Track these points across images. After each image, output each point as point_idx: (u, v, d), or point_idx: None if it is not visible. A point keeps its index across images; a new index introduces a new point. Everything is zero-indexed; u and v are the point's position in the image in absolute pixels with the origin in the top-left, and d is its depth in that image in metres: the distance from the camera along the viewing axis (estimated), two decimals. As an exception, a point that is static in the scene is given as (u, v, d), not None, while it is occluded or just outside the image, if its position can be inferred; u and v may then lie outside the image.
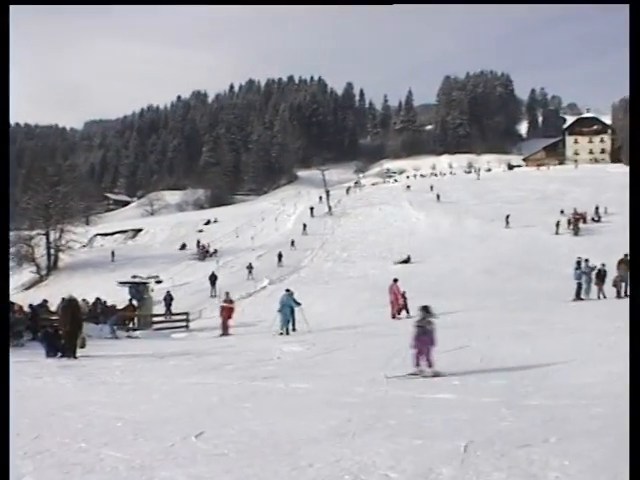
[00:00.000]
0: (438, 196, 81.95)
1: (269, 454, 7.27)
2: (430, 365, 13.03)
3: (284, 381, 13.38)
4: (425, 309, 13.86)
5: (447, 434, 7.95)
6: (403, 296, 29.01)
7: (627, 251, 31.59)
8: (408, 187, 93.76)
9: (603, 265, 29.09)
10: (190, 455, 7.33)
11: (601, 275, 28.90)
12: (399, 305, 28.93)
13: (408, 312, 28.29)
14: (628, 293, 27.73)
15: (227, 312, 29.06)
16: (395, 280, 29.95)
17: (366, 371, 14.37)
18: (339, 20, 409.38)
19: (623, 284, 28.09)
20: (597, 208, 69.19)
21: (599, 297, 28.56)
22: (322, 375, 14.22)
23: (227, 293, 31.81)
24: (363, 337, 21.98)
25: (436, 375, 12.86)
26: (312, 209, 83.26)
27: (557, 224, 61.19)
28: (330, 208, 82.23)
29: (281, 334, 25.66)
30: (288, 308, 26.72)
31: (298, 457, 7.04)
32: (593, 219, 67.03)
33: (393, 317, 28.63)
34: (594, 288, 28.99)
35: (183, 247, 73.52)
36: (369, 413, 9.64)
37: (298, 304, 27.15)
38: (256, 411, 10.24)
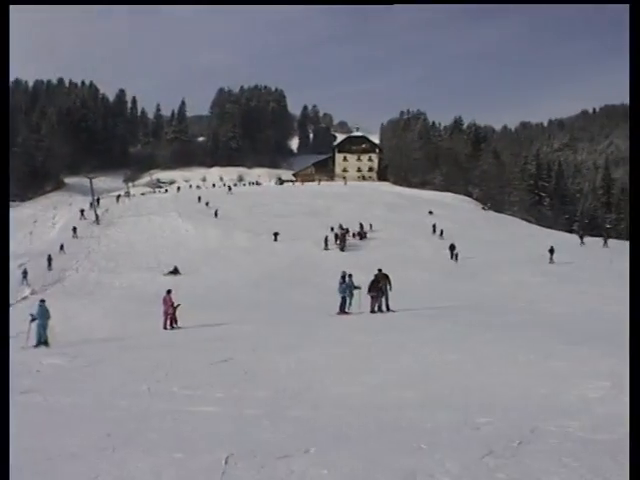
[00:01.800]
0: (215, 212, 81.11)
1: (24, 473, 6.97)
2: None
3: (43, 395, 12.86)
4: None
5: (209, 447, 7.92)
6: (172, 307, 28.67)
7: (389, 265, 32.89)
8: (199, 199, 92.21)
9: (376, 276, 29.60)
10: None
11: (376, 288, 29.24)
12: (170, 316, 28.61)
13: (176, 323, 28.12)
14: (390, 307, 28.66)
15: None
16: (169, 291, 29.53)
17: (129, 384, 14.07)
18: (113, 24, 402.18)
19: (383, 298, 28.89)
20: (361, 225, 71.60)
21: (375, 310, 28.85)
22: (83, 389, 13.80)
23: None
24: (128, 349, 21.52)
25: None
26: (82, 212, 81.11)
27: (325, 239, 62.71)
28: (97, 217, 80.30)
29: (40, 346, 24.69)
30: (45, 319, 25.75)
31: (55, 475, 6.82)
32: (359, 235, 69.25)
33: (165, 328, 28.25)
34: (354, 302, 29.34)
35: None
36: (130, 427, 9.47)
37: (48, 316, 26.10)
38: (11, 427, 9.79)
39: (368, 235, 69.72)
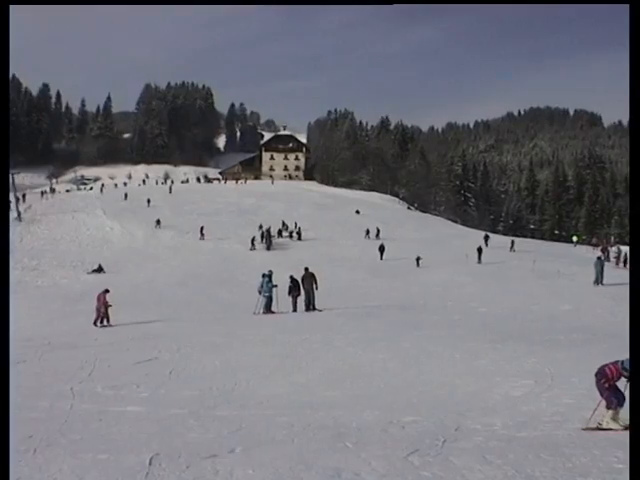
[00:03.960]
0: (158, 221, 79.23)
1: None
2: None
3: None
4: None
5: (133, 447, 7.82)
6: (105, 306, 28.21)
7: (316, 265, 32.93)
8: (126, 196, 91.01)
9: (292, 277, 29.52)
10: None
11: (296, 288, 29.17)
12: (102, 314, 28.15)
13: (108, 321, 27.69)
14: (315, 305, 28.66)
15: None
16: (107, 290, 28.87)
17: (52, 384, 13.84)
18: (36, 16, 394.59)
19: (310, 297, 28.87)
20: (285, 224, 71.45)
21: (296, 309, 28.80)
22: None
23: None
24: (52, 349, 21.09)
25: None
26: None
27: (252, 238, 62.41)
28: (20, 214, 78.75)
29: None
30: None
31: (-28, 477, 6.61)
32: (297, 234, 69.03)
33: (95, 324, 27.76)
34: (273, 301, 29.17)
35: None
36: (53, 428, 9.30)
37: None
38: None
39: (294, 234, 69.32)
